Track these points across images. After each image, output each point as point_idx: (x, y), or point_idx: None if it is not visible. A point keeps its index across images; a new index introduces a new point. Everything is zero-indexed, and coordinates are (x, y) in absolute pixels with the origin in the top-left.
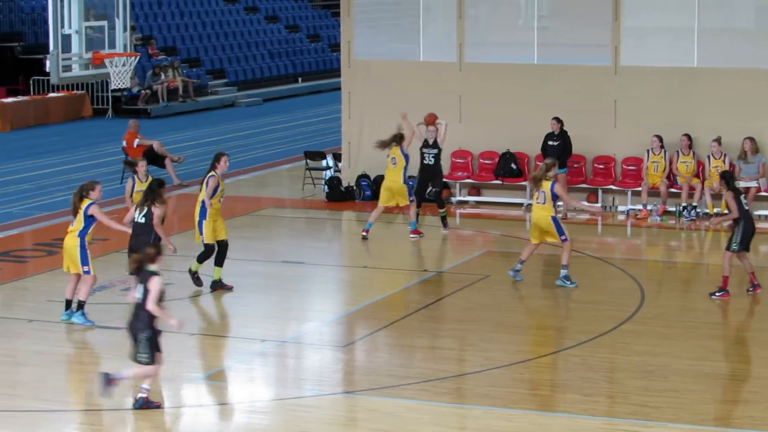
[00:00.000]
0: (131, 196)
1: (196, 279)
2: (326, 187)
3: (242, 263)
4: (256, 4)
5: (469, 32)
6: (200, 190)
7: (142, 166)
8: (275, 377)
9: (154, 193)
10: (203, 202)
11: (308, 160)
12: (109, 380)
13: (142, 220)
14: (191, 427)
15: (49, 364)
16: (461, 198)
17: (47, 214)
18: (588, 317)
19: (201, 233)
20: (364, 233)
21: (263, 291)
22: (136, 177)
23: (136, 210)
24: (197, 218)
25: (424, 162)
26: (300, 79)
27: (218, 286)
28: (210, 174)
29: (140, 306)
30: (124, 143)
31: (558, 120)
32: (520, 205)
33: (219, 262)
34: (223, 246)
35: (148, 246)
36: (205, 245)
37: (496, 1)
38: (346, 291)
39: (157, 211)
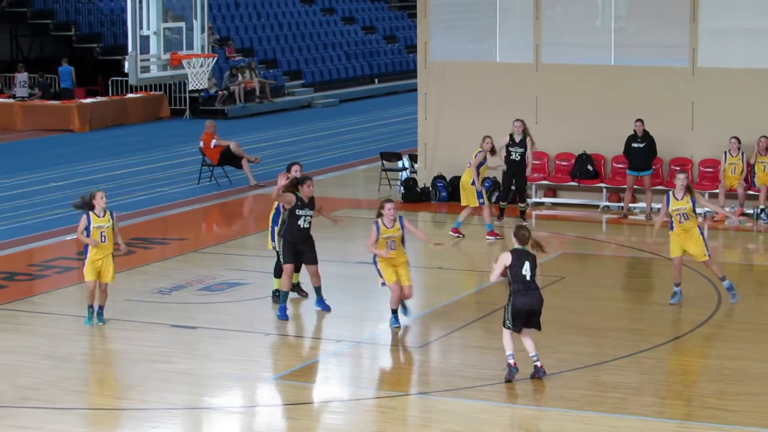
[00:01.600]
0: (85, 232)
1: (298, 289)
2: (402, 188)
3: (318, 264)
4: (333, 5)
5: (545, 33)
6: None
7: (100, 198)
8: (350, 377)
9: (294, 184)
10: (278, 208)
11: (384, 161)
12: (540, 369)
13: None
14: (267, 426)
15: (126, 362)
16: (537, 199)
17: (125, 214)
18: (664, 320)
19: (273, 239)
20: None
21: (339, 291)
22: (92, 213)
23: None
24: (270, 224)
25: (510, 158)
26: (376, 80)
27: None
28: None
29: (532, 281)
30: (201, 144)
31: (642, 121)
32: (596, 206)
33: (278, 274)
34: None
35: (521, 228)
36: (277, 252)
37: (573, 2)
38: (421, 292)
39: (286, 198)
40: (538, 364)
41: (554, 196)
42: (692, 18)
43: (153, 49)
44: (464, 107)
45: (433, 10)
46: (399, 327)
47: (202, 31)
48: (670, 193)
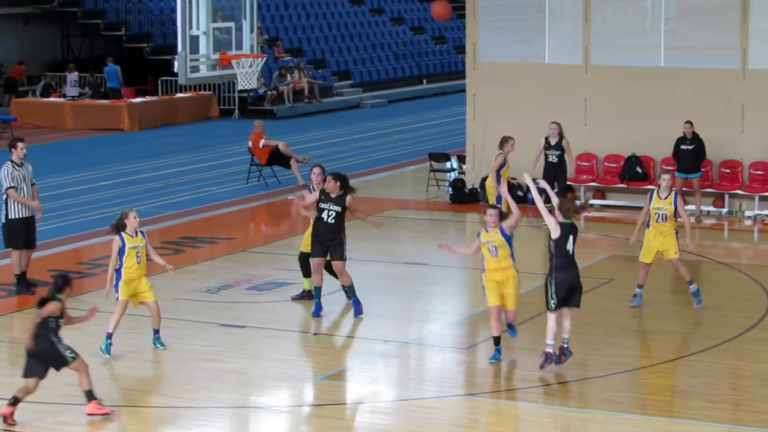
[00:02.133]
0: (120, 254)
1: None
2: (450, 188)
3: (366, 264)
4: (382, 5)
5: (595, 34)
6: None
7: (132, 218)
8: (397, 378)
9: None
10: None
11: (432, 162)
12: (567, 349)
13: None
14: (314, 426)
15: (175, 360)
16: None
17: (174, 213)
18: (713, 323)
19: None
20: None
21: (386, 292)
22: (124, 233)
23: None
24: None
25: (548, 160)
26: (425, 81)
27: (305, 296)
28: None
29: (573, 256)
30: (250, 143)
31: (691, 123)
32: None
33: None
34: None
35: (564, 202)
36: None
37: (623, 4)
38: (469, 293)
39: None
40: (566, 345)
41: (603, 197)
42: (743, 19)
43: (202, 49)
44: (513, 108)
45: (482, 11)
46: (499, 362)
47: (251, 31)
48: (654, 191)
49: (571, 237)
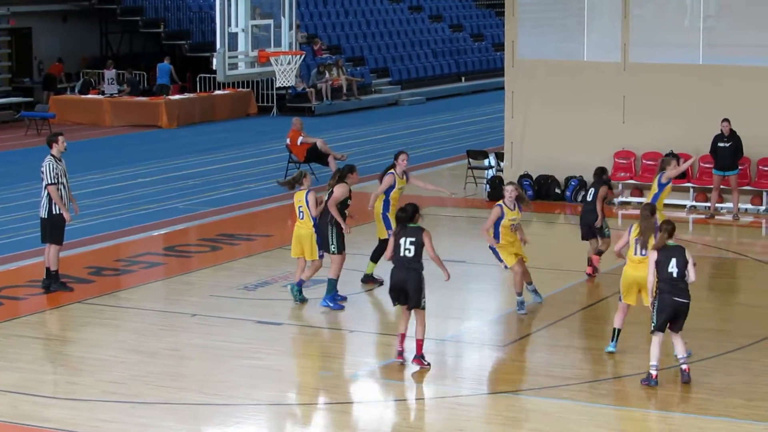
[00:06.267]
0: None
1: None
2: (488, 186)
3: None
4: (421, 3)
5: (634, 32)
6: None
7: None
8: (434, 375)
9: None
10: (386, 198)
11: (470, 159)
12: (685, 372)
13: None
14: (350, 423)
15: (211, 357)
16: (624, 199)
17: (212, 210)
18: (751, 321)
19: (388, 227)
20: None
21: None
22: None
23: None
24: (381, 212)
25: None
26: (463, 79)
27: (369, 280)
28: (389, 171)
29: (680, 279)
30: (288, 141)
31: (728, 121)
32: (683, 206)
33: (375, 259)
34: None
35: (666, 223)
36: (381, 240)
37: (662, 1)
38: (506, 290)
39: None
40: (684, 368)
41: (641, 195)
42: None
43: (241, 46)
44: (551, 106)
45: (521, 8)
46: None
47: (290, 28)
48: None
49: (673, 260)
